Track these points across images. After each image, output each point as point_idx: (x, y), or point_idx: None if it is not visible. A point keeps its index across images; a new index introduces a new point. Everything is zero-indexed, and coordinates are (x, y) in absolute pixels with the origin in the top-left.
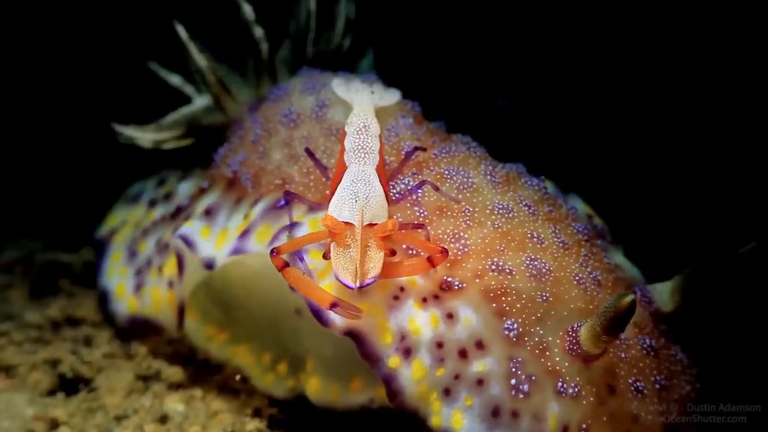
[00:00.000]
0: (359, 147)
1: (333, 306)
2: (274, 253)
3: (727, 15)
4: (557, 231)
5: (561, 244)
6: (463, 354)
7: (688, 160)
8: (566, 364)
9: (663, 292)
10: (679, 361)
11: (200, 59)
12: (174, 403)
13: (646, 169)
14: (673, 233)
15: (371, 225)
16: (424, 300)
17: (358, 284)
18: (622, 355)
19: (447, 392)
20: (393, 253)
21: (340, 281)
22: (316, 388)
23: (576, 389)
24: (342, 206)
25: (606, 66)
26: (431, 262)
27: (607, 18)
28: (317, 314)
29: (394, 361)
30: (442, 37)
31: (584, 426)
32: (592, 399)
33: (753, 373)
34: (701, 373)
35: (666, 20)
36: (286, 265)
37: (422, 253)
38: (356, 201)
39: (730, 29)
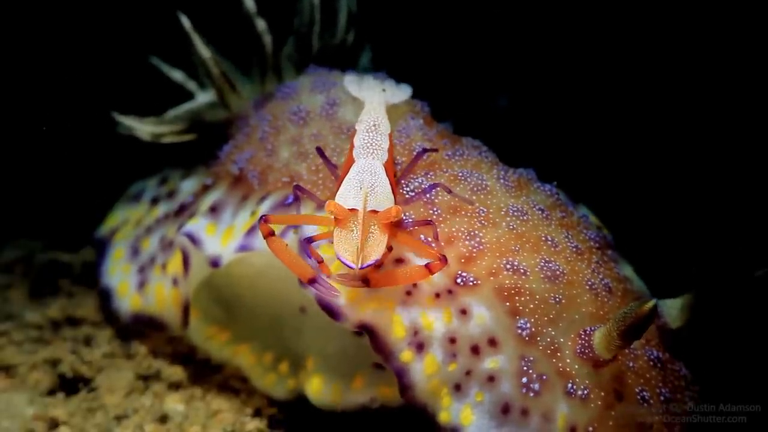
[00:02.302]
0: (368, 144)
1: (311, 282)
2: (263, 220)
3: (727, 15)
4: (570, 236)
5: (574, 249)
6: (475, 350)
7: (689, 170)
8: (576, 366)
9: (672, 308)
10: (683, 376)
11: (204, 50)
12: (174, 403)
13: (648, 181)
14: (675, 246)
15: (375, 212)
16: (437, 295)
17: (360, 265)
18: (630, 364)
19: (458, 388)
20: (390, 249)
21: (341, 261)
22: (317, 386)
23: (585, 392)
24: (347, 194)
25: (610, 76)
26: (429, 269)
27: (612, 23)
28: (328, 309)
29: (406, 355)
30: (443, 34)
31: (591, 428)
32: (600, 403)
33: (753, 373)
34: (704, 388)
35: (676, 25)
36: (272, 233)
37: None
38: (361, 188)
39: (731, 29)
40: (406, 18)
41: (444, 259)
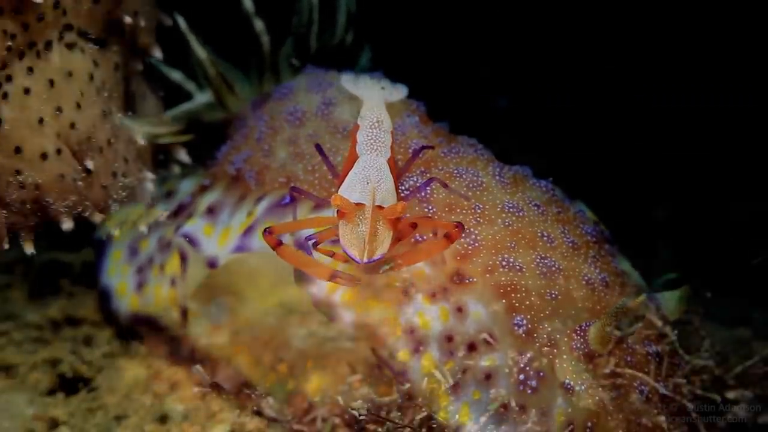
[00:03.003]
0: (372, 140)
1: (333, 276)
2: (268, 232)
3: (727, 15)
4: (566, 231)
5: (570, 244)
6: (472, 348)
7: (685, 165)
8: (573, 362)
9: (669, 301)
10: (681, 370)
11: (200, 51)
12: (174, 403)
13: (645, 177)
14: (673, 240)
15: (380, 207)
16: (433, 294)
17: (365, 259)
18: (628, 359)
19: (455, 386)
20: (414, 226)
21: (347, 255)
22: (316, 386)
23: (582, 387)
24: (353, 189)
25: (606, 75)
26: (449, 238)
27: (609, 22)
28: (325, 310)
29: (404, 354)
30: (442, 35)
31: (590, 424)
32: (597, 398)
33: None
34: (703, 383)
35: (673, 24)
36: (280, 243)
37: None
38: (368, 183)
39: (731, 29)
40: (406, 18)
41: (461, 226)
